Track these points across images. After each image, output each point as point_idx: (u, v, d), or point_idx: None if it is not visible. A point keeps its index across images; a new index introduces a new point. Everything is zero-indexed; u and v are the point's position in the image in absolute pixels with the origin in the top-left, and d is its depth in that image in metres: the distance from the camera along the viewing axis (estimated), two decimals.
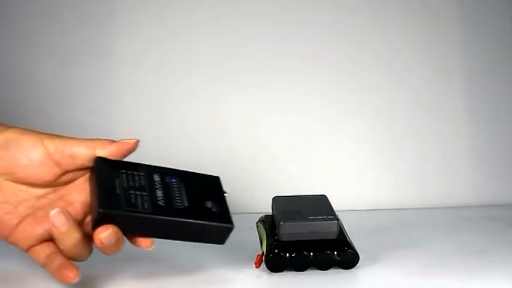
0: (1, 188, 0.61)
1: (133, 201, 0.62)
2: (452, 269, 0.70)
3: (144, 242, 0.63)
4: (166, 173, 0.66)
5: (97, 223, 0.60)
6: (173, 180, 0.66)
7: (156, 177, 0.65)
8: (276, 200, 0.73)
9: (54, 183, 0.63)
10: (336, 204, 0.71)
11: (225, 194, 0.68)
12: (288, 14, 0.96)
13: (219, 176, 0.71)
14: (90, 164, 0.63)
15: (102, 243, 0.60)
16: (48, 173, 0.62)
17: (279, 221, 0.68)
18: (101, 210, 0.60)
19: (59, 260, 0.62)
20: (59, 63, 0.94)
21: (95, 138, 0.63)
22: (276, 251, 0.68)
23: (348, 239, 0.70)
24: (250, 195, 0.94)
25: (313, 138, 0.98)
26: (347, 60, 0.97)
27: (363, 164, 0.98)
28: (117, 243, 0.61)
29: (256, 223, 0.74)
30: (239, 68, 0.96)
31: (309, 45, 0.97)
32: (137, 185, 0.63)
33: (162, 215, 0.62)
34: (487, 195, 1.00)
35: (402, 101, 0.99)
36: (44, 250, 0.62)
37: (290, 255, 0.68)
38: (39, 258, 0.63)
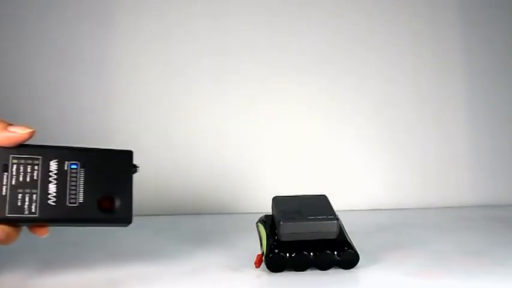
0: None
1: (19, 204, 0.60)
2: (452, 269, 0.70)
3: (39, 231, 0.62)
4: (67, 156, 0.62)
5: None
6: (73, 166, 0.62)
7: (53, 165, 0.62)
8: (276, 200, 0.73)
9: None
10: (336, 204, 0.71)
11: (135, 170, 0.65)
12: (289, 12, 0.96)
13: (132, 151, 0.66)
14: None
15: None
16: None
17: (279, 221, 0.68)
18: None
19: None
20: (58, 63, 0.94)
21: None
22: (276, 251, 0.68)
23: (348, 239, 0.70)
24: (250, 195, 0.94)
25: (313, 138, 0.98)
26: (348, 60, 0.97)
27: (363, 164, 0.98)
28: (9, 237, 0.60)
29: (256, 223, 0.74)
30: (239, 69, 0.96)
31: (309, 44, 0.97)
32: (28, 179, 0.61)
33: (50, 217, 0.61)
34: (486, 196, 1.00)
35: (402, 102, 0.99)
36: None
37: (290, 255, 0.68)
38: None
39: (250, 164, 0.96)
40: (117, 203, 0.63)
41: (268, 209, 0.73)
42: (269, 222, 0.72)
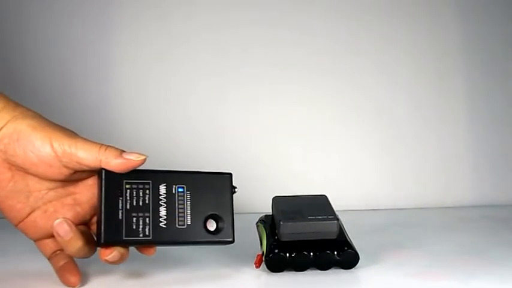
0: (13, 178, 0.62)
1: (134, 227, 0.62)
2: (451, 269, 0.70)
3: (148, 251, 0.64)
4: (173, 180, 0.65)
5: (100, 246, 0.62)
6: (180, 189, 0.65)
7: (162, 189, 0.64)
8: (276, 199, 0.73)
9: (64, 180, 0.63)
10: (336, 204, 0.71)
11: (234, 191, 0.68)
12: (288, 19, 0.97)
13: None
14: (97, 168, 0.62)
15: (107, 262, 0.62)
16: (56, 172, 0.62)
17: (279, 221, 0.68)
18: (102, 242, 0.61)
19: (64, 259, 0.65)
20: (61, 65, 0.94)
21: (105, 146, 0.62)
22: (276, 250, 0.68)
23: (348, 239, 0.70)
24: (250, 195, 0.94)
25: (314, 139, 0.98)
26: (347, 62, 0.98)
27: (363, 164, 0.99)
28: (122, 257, 0.63)
29: (256, 223, 0.74)
30: (239, 69, 0.96)
31: (309, 48, 0.97)
32: (141, 203, 0.63)
33: (162, 240, 0.64)
34: (485, 196, 1.00)
35: (402, 102, 0.99)
36: (51, 245, 0.65)
37: (290, 255, 0.68)
38: (45, 252, 0.65)
39: (250, 163, 0.96)
40: (221, 223, 0.66)
41: (268, 209, 0.73)
42: (269, 222, 0.72)
